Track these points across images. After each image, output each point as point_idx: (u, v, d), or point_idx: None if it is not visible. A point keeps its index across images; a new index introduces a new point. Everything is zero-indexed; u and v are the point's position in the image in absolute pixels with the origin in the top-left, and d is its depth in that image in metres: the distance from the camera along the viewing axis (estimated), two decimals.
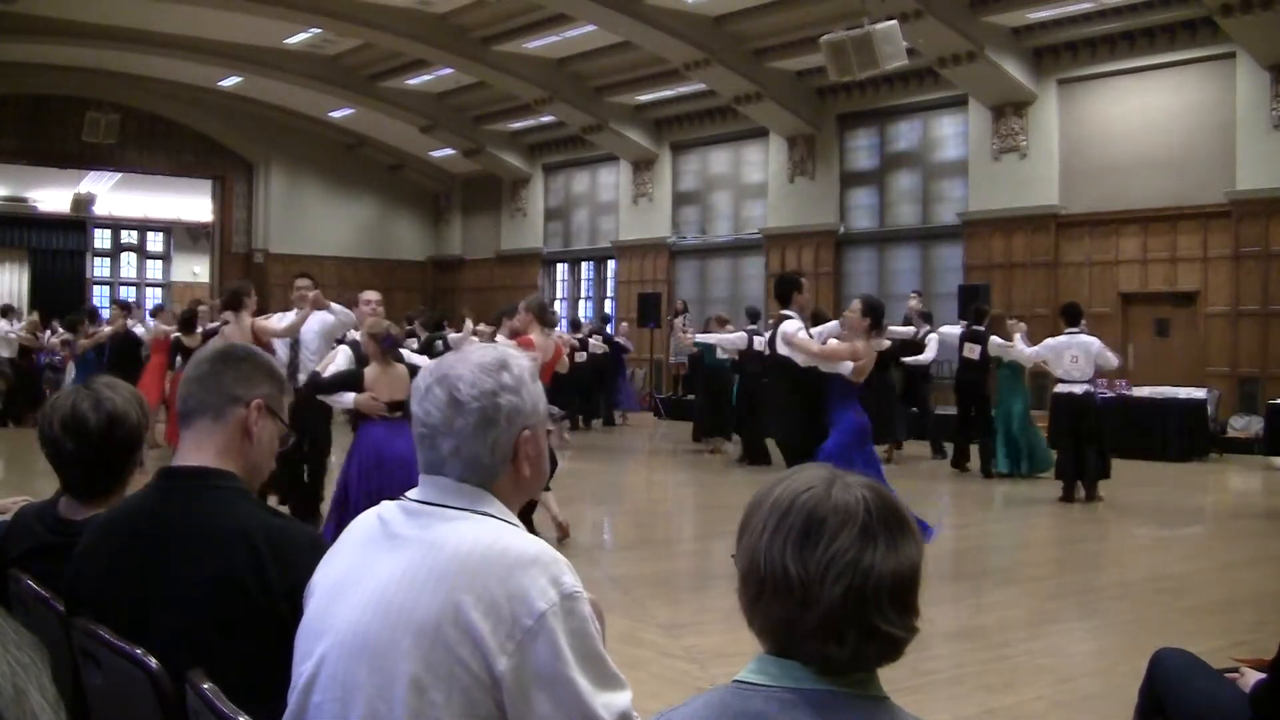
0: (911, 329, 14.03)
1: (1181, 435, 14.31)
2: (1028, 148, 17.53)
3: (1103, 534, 9.65)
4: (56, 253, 29.34)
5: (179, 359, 11.26)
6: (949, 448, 13.57)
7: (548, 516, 8.17)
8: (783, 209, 21.01)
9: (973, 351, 12.74)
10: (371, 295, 8.80)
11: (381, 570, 1.79)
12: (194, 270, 31.42)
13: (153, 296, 29.17)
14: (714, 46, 18.74)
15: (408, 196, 28.72)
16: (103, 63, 22.67)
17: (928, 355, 13.92)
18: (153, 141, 25.52)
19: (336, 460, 8.56)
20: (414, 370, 6.75)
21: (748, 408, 13.69)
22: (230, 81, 23.95)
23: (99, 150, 24.48)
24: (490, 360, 1.88)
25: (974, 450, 12.80)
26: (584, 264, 25.95)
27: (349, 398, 6.93)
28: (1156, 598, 6.92)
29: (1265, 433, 13.95)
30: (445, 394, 1.85)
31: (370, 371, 6.95)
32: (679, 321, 18.26)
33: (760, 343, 13.92)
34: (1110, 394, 14.44)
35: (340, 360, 7.38)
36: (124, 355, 13.56)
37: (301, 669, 1.83)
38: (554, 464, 8.17)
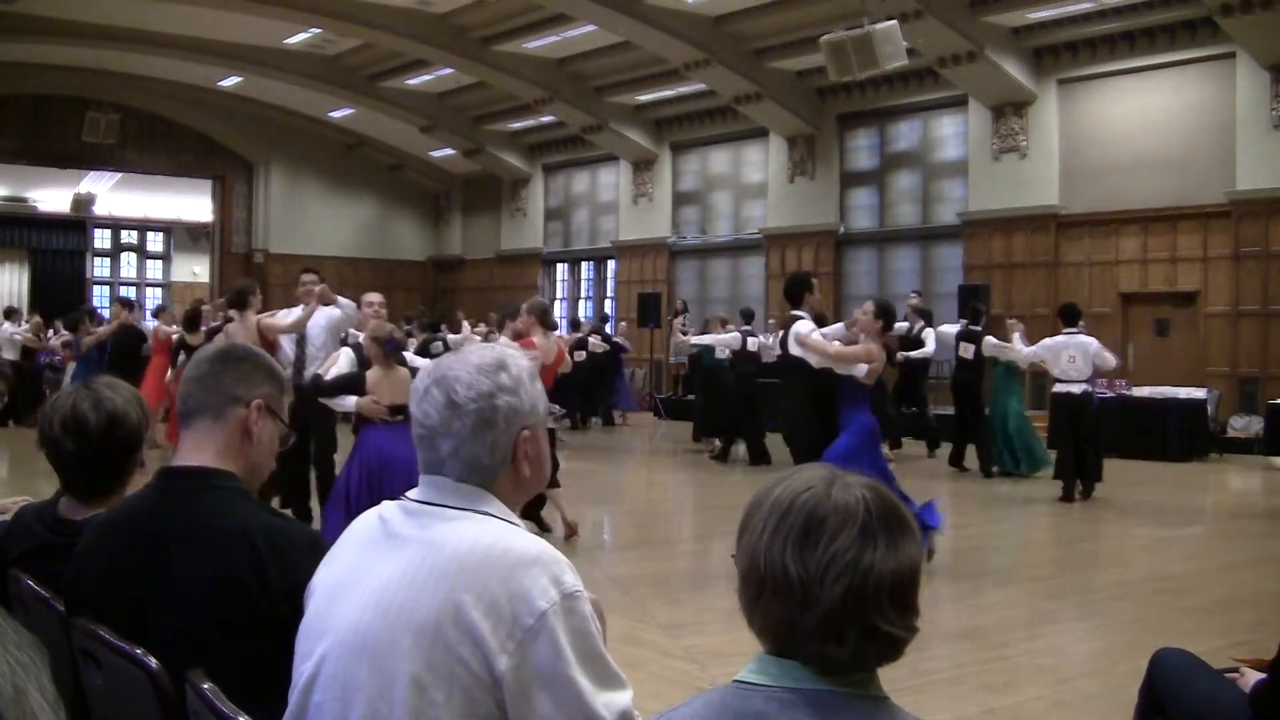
0: (906, 324, 14.04)
1: (1181, 435, 14.31)
2: (1028, 148, 17.53)
3: (1103, 534, 9.66)
4: (56, 253, 29.35)
5: (183, 357, 11.24)
6: (946, 446, 13.58)
7: (557, 513, 8.22)
8: (783, 209, 21.01)
9: (967, 351, 12.76)
10: (374, 297, 8.73)
11: (382, 570, 1.79)
12: (194, 270, 31.43)
13: (153, 296, 29.19)
14: (714, 46, 18.74)
15: (408, 196, 28.72)
16: (103, 63, 22.67)
17: (927, 349, 13.94)
18: (153, 141, 25.52)
19: (340, 460, 8.55)
20: (415, 373, 6.74)
21: (745, 408, 13.71)
22: (230, 81, 23.96)
23: (99, 150, 24.49)
24: (488, 361, 1.88)
25: (973, 450, 12.80)
26: (584, 264, 25.95)
27: (350, 401, 6.90)
28: (1156, 598, 6.92)
29: (1265, 433, 13.97)
30: (443, 396, 1.85)
31: (372, 375, 6.93)
32: (679, 321, 18.26)
33: (754, 343, 14.00)
34: (1110, 394, 14.46)
35: (342, 363, 7.35)
36: (125, 354, 13.46)
37: (302, 669, 1.83)
38: (555, 464, 8.21)
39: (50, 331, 18.55)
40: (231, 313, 9.36)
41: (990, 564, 8.30)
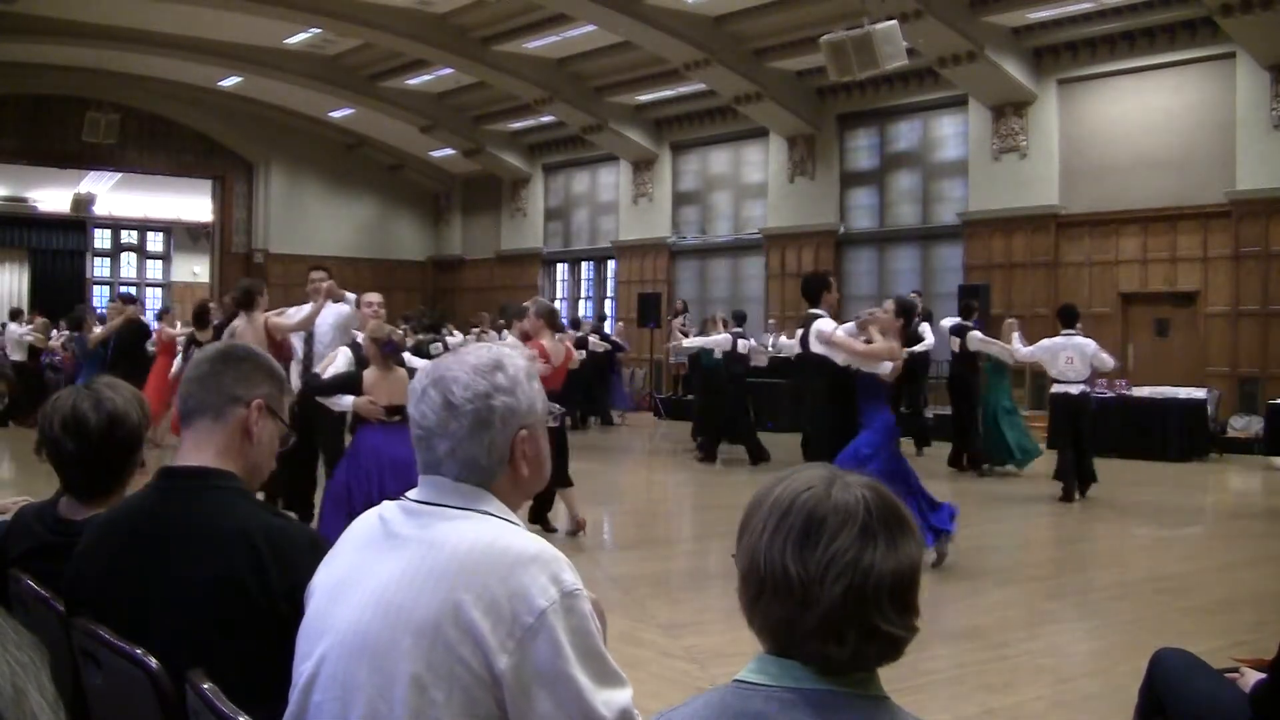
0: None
1: (1181, 435, 14.32)
2: (1028, 148, 17.53)
3: (1102, 534, 9.65)
4: (56, 253, 29.36)
5: (194, 351, 11.20)
6: (939, 446, 13.61)
7: (563, 509, 8.29)
8: (783, 209, 21.01)
9: (957, 345, 12.80)
10: (373, 297, 8.71)
11: (382, 570, 1.79)
12: (194, 270, 31.43)
13: (153, 296, 29.21)
14: (714, 46, 18.75)
15: (408, 196, 28.72)
16: (103, 63, 22.67)
17: (927, 342, 13.94)
18: (153, 141, 25.52)
19: None
20: (413, 373, 6.73)
21: (736, 409, 13.75)
22: (230, 81, 23.96)
23: (99, 150, 24.48)
24: (485, 361, 1.88)
25: None
26: (584, 264, 25.95)
27: (347, 400, 6.86)
28: (1156, 598, 6.92)
29: (1265, 433, 13.97)
30: (440, 396, 1.84)
31: (370, 375, 6.88)
32: (679, 322, 18.26)
33: (744, 345, 14.07)
34: (1110, 394, 14.46)
35: (340, 362, 7.32)
36: (128, 351, 13.36)
37: (302, 669, 1.83)
38: (566, 461, 8.27)
39: (54, 331, 18.57)
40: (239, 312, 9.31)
41: (990, 564, 8.30)
